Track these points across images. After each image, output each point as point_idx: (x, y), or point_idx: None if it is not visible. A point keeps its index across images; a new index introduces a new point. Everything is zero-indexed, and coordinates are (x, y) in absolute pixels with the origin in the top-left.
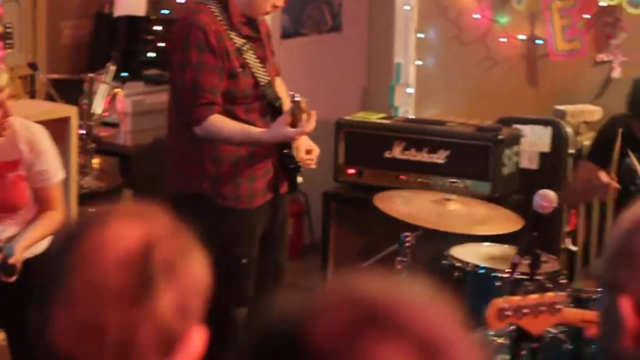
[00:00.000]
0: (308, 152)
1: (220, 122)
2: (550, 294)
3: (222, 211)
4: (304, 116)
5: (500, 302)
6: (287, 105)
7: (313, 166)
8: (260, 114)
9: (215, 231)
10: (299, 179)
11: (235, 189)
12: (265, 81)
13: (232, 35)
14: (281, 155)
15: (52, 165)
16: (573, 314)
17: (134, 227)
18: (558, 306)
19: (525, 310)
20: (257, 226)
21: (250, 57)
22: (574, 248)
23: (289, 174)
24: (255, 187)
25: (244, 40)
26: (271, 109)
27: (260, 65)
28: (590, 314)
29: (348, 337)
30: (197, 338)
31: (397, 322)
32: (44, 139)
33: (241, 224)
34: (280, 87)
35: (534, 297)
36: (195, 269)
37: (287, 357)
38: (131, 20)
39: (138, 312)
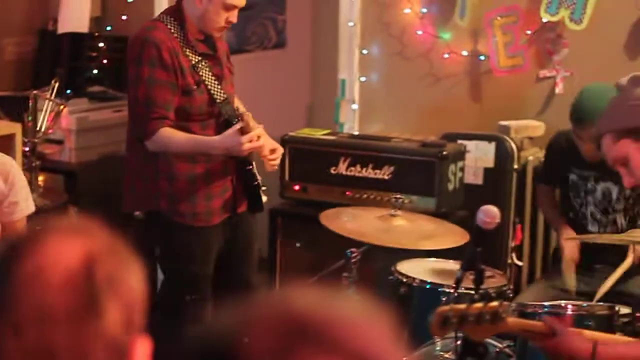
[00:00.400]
0: (272, 151)
1: (170, 134)
2: (494, 302)
3: (179, 229)
4: (253, 128)
5: (445, 310)
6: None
7: (275, 166)
8: (216, 131)
9: (171, 248)
10: (264, 198)
11: (191, 206)
12: (222, 98)
13: (188, 52)
14: (242, 172)
15: (23, 198)
16: (517, 323)
17: (73, 244)
18: (502, 315)
19: (469, 319)
20: (213, 244)
21: (206, 75)
22: (519, 263)
23: (250, 192)
24: (213, 205)
25: (199, 58)
26: (228, 127)
27: (216, 82)
28: (535, 324)
29: (281, 352)
30: (143, 349)
31: (330, 337)
32: (18, 171)
33: (198, 242)
34: (239, 106)
35: (478, 306)
36: (135, 281)
37: None
38: (75, 37)
39: (87, 331)
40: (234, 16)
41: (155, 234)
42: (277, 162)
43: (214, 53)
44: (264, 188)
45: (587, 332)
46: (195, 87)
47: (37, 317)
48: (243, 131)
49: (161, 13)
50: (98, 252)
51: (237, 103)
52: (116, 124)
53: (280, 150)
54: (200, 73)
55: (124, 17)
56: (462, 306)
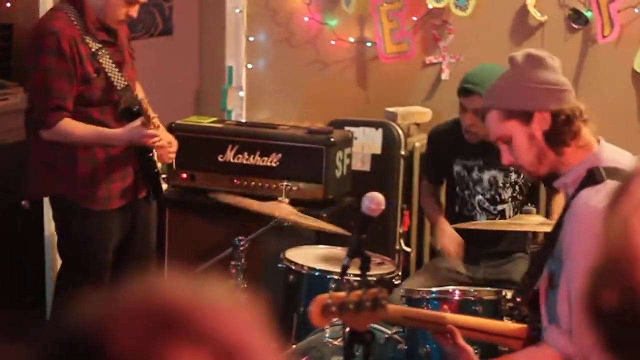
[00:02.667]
0: (169, 144)
1: (71, 127)
2: (373, 289)
3: (78, 213)
4: (153, 119)
5: (324, 298)
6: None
7: (171, 158)
8: (115, 118)
9: (71, 233)
10: (164, 186)
11: (91, 190)
12: (122, 85)
13: (88, 40)
14: (142, 160)
15: None
16: (397, 310)
17: None
18: (382, 302)
19: (349, 306)
20: (113, 229)
21: (107, 62)
22: (407, 249)
23: (151, 180)
24: (112, 189)
25: (99, 45)
26: (128, 113)
27: (117, 69)
28: (415, 311)
29: (145, 343)
30: None
31: (197, 327)
32: None
33: (97, 225)
34: (140, 92)
35: (357, 293)
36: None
37: None
38: None
39: None
40: (134, 11)
41: (57, 220)
42: (172, 155)
43: (114, 40)
44: (163, 176)
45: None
46: (94, 75)
47: None
48: (144, 122)
49: (61, 1)
50: None
51: (138, 89)
52: (1, 112)
53: (175, 144)
54: (100, 61)
55: (8, 5)
56: (341, 294)
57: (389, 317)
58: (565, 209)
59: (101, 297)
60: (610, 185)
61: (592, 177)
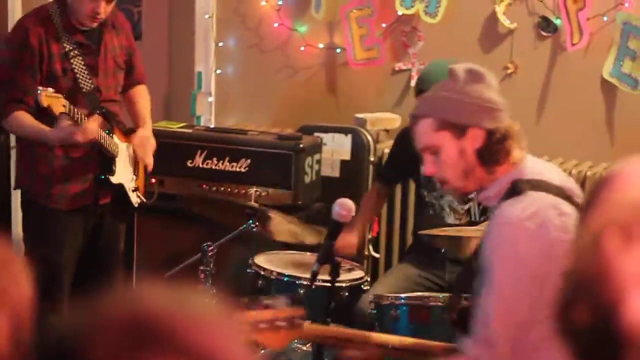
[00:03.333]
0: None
1: (20, 120)
2: (287, 308)
3: (35, 209)
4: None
5: (235, 317)
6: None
7: (149, 157)
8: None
9: (28, 230)
10: (135, 199)
11: (46, 187)
12: (88, 88)
13: (64, 39)
14: (104, 164)
15: None
16: (314, 329)
17: None
18: (297, 321)
19: (262, 326)
20: (69, 230)
21: (77, 63)
22: (376, 255)
23: (101, 186)
24: (69, 190)
25: (73, 46)
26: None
27: (86, 72)
28: (333, 330)
29: (126, 354)
30: None
31: (176, 339)
32: None
33: (51, 224)
34: (142, 97)
35: (270, 312)
36: (22, 287)
37: None
38: None
39: None
40: (100, 7)
41: (22, 214)
42: (148, 151)
43: (90, 43)
44: (133, 187)
45: None
46: (61, 74)
47: None
48: (75, 122)
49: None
50: None
51: (138, 95)
52: None
53: (153, 142)
54: (72, 61)
55: None
56: (253, 313)
57: (308, 336)
58: (489, 222)
59: (83, 309)
60: (531, 196)
61: (515, 189)
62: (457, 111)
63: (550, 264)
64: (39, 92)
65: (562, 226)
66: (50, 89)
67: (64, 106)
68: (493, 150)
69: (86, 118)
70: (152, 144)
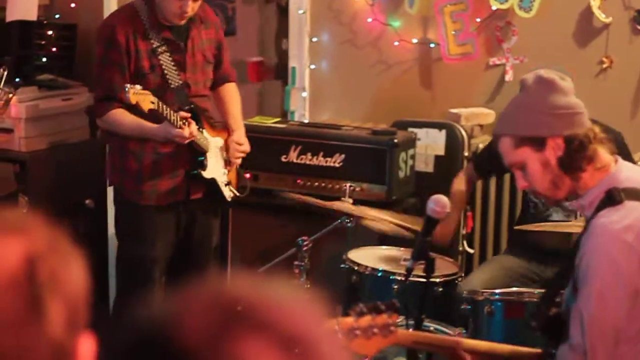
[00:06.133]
0: (239, 145)
1: (120, 118)
2: (383, 316)
3: (128, 206)
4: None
5: (332, 324)
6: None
7: (238, 160)
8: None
9: (120, 226)
10: (228, 193)
11: (138, 184)
12: (177, 84)
13: (151, 36)
14: (194, 160)
15: None
16: (407, 335)
17: (12, 243)
18: (391, 328)
19: (357, 332)
20: (161, 226)
21: (165, 59)
22: (471, 250)
23: (193, 181)
24: (160, 186)
25: (160, 43)
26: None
27: (175, 68)
28: (425, 336)
29: (214, 335)
30: (87, 347)
31: (262, 318)
32: None
33: (143, 220)
34: (232, 94)
35: (366, 319)
36: (78, 276)
37: (154, 358)
38: (23, 25)
39: (31, 334)
40: (187, 6)
41: (115, 211)
42: (239, 157)
43: (177, 39)
44: (226, 181)
45: None
46: (149, 70)
47: None
48: (174, 122)
49: None
50: (39, 249)
51: (229, 95)
52: (66, 112)
53: (247, 145)
54: (159, 57)
55: (72, 5)
56: (350, 320)
57: (400, 343)
58: (583, 231)
59: (173, 294)
60: (629, 205)
61: (611, 198)
62: (532, 125)
63: None
64: (126, 89)
65: None
66: (138, 86)
67: (152, 102)
68: (574, 158)
69: (175, 114)
70: (244, 149)
